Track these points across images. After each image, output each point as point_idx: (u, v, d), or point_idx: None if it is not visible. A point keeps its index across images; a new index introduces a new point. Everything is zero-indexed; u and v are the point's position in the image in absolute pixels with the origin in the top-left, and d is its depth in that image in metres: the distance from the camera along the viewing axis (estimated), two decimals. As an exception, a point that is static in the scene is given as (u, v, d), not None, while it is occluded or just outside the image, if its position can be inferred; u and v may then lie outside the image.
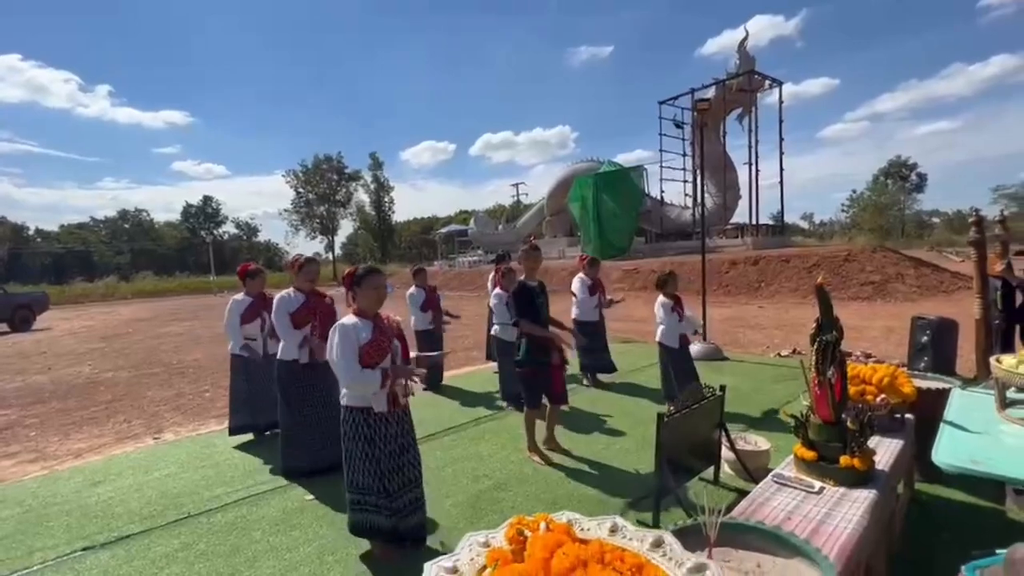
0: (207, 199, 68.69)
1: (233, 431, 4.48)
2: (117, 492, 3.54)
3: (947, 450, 1.78)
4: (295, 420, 3.64)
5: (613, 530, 1.01)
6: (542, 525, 0.98)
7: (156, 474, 3.85)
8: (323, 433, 3.60)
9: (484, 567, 0.92)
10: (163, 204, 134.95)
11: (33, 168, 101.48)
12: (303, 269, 3.74)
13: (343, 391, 2.58)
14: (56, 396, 6.87)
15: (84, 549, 2.81)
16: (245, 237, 73.29)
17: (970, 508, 2.95)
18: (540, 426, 3.97)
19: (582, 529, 1.01)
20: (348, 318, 2.53)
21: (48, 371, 8.85)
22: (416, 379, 2.67)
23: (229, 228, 72.24)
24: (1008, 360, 2.10)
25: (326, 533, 2.90)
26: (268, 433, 4.52)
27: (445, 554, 0.98)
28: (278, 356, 3.69)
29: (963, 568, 1.25)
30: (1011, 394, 2.20)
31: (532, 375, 3.75)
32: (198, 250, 63.20)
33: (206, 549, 2.78)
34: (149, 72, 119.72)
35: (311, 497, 3.35)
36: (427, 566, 0.93)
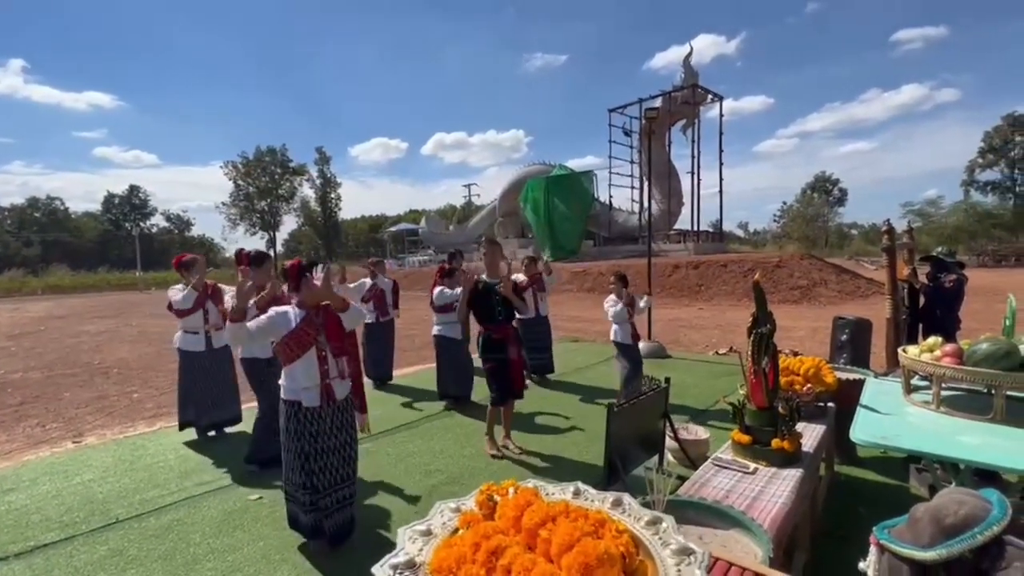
0: (133, 189, 63.81)
1: (181, 426, 4.36)
2: (32, 499, 3.24)
3: (862, 428, 1.99)
4: (265, 411, 3.60)
5: (576, 494, 1.07)
6: (511, 490, 1.03)
7: (78, 479, 3.56)
8: None
9: (456, 529, 0.95)
10: (83, 193, 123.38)
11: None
12: (265, 265, 3.51)
13: (280, 383, 2.57)
14: (-47, 399, 6.17)
15: (-6, 561, 2.56)
16: (177, 231, 68.58)
17: (880, 486, 3.28)
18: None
19: (547, 494, 1.06)
20: (284, 307, 2.60)
21: (-58, 372, 7.91)
22: None
23: (159, 221, 67.44)
24: (912, 350, 2.36)
25: (271, 533, 2.80)
26: (213, 434, 4.37)
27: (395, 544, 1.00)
28: (241, 355, 3.61)
29: (875, 529, 1.41)
30: (915, 381, 2.47)
31: (493, 370, 3.77)
32: (122, 243, 58.54)
33: (138, 554, 2.61)
34: (72, 49, 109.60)
35: (256, 496, 3.21)
36: (400, 531, 0.95)
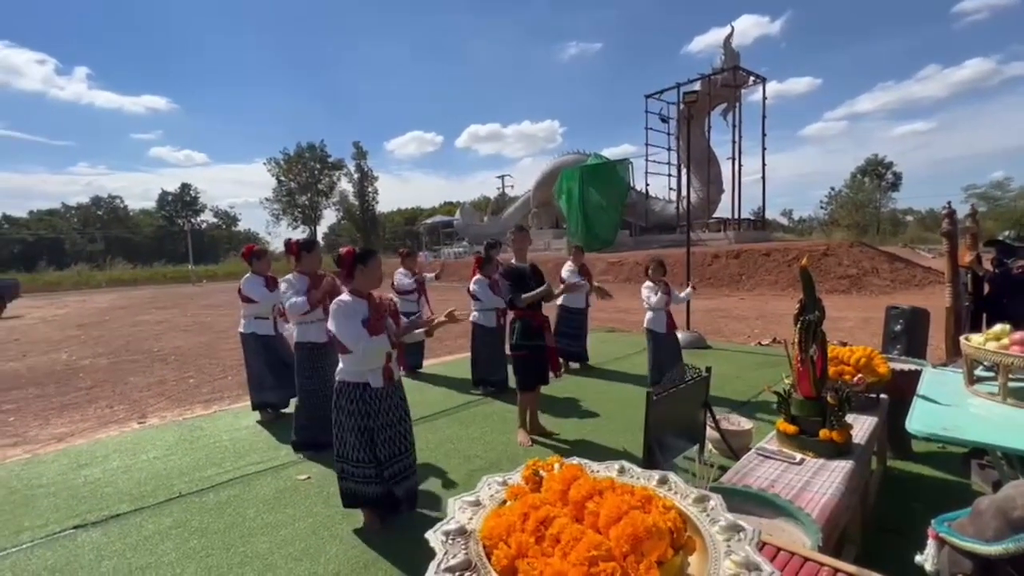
0: (185, 186, 67.20)
1: (255, 406, 4.60)
2: (105, 474, 3.52)
3: (919, 419, 1.90)
4: (312, 397, 3.73)
5: (621, 471, 1.08)
6: (556, 466, 1.05)
7: (144, 456, 3.82)
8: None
9: (504, 501, 0.98)
10: (140, 191, 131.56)
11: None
12: (314, 251, 3.78)
13: (340, 367, 2.65)
14: (33, 382, 6.72)
15: (75, 527, 2.79)
16: (224, 226, 71.84)
17: (938, 482, 3.12)
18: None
19: (592, 471, 1.08)
20: (345, 296, 2.61)
21: (23, 358, 8.63)
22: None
23: (208, 217, 70.82)
24: (976, 339, 2.23)
25: (320, 510, 2.93)
26: (271, 411, 4.58)
27: (442, 519, 1.04)
28: (296, 339, 3.75)
29: (933, 522, 1.35)
30: (979, 372, 2.34)
31: (527, 358, 3.79)
32: (175, 239, 61.80)
33: (199, 526, 2.79)
34: (132, 56, 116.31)
35: (305, 476, 3.37)
36: (451, 501, 0.99)
